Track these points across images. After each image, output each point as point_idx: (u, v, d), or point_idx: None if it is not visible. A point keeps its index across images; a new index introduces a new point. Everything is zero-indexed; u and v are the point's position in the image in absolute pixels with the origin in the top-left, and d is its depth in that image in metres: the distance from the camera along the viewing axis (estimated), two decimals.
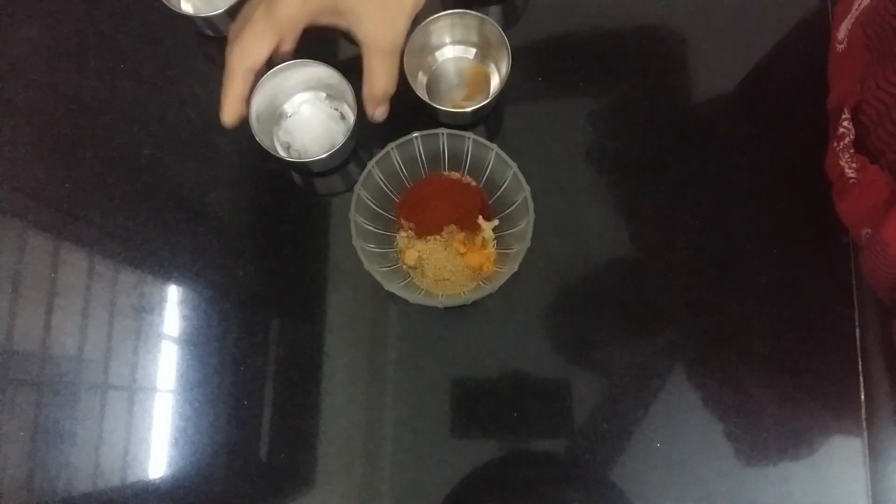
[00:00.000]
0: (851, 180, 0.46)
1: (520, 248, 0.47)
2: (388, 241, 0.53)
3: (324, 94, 0.56)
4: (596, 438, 0.52)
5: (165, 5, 0.54)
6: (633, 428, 0.52)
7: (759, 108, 0.58)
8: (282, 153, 0.53)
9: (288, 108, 0.56)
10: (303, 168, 0.55)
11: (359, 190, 0.48)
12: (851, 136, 0.46)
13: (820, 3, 0.58)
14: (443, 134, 0.49)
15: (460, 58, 0.57)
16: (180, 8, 0.56)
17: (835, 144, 0.48)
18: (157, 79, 0.58)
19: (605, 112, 0.57)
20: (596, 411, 0.52)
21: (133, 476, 0.51)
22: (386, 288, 0.47)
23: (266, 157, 0.51)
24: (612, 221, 0.55)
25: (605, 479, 0.51)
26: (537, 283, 0.53)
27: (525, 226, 0.47)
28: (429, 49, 0.56)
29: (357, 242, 0.47)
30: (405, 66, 0.51)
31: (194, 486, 0.51)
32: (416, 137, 0.49)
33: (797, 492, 0.51)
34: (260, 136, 0.51)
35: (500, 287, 0.48)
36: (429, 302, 0.48)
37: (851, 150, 0.46)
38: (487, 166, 0.50)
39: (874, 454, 0.52)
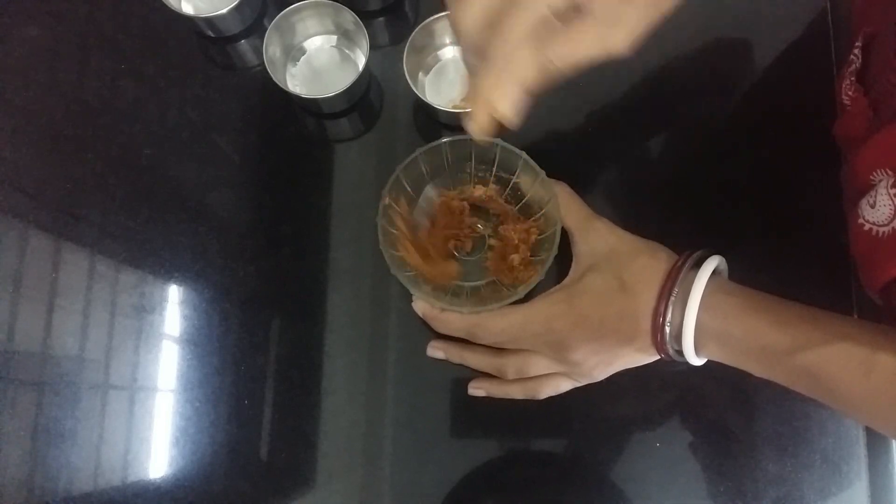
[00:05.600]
0: (847, 107, 0.48)
1: (547, 256, 0.46)
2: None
3: (336, 38, 0.57)
4: (596, 438, 0.52)
5: (166, 6, 0.54)
6: (633, 428, 0.52)
7: (763, 111, 0.58)
8: (295, 90, 0.54)
9: (302, 49, 0.57)
10: (314, 107, 0.56)
11: (385, 195, 0.48)
12: (857, 65, 0.47)
13: None
14: (471, 140, 0.49)
15: (460, 58, 0.57)
16: (181, 9, 0.57)
17: (842, 70, 0.50)
18: (158, 79, 0.58)
19: (604, 111, 0.57)
20: (596, 411, 0.52)
21: (134, 475, 0.51)
22: (413, 293, 0.47)
23: (265, 153, 0.51)
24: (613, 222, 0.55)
25: (605, 479, 0.51)
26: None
27: (552, 233, 0.47)
28: (429, 49, 0.56)
29: (384, 248, 0.46)
30: (405, 66, 0.52)
31: (195, 486, 0.51)
32: (445, 143, 0.49)
33: (797, 492, 0.51)
34: (276, 77, 0.52)
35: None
36: (455, 308, 0.47)
37: (853, 78, 0.47)
38: (516, 173, 0.50)
39: (874, 454, 0.52)
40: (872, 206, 0.41)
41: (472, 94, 0.37)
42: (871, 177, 0.43)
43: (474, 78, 0.37)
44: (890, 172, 0.41)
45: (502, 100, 0.37)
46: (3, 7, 0.59)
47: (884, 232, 0.41)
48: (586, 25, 0.35)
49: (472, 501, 0.51)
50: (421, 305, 0.49)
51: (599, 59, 0.36)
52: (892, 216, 0.40)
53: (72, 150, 0.56)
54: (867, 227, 0.42)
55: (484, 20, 0.36)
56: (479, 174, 0.52)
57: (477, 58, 0.37)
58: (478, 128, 0.38)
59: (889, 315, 0.42)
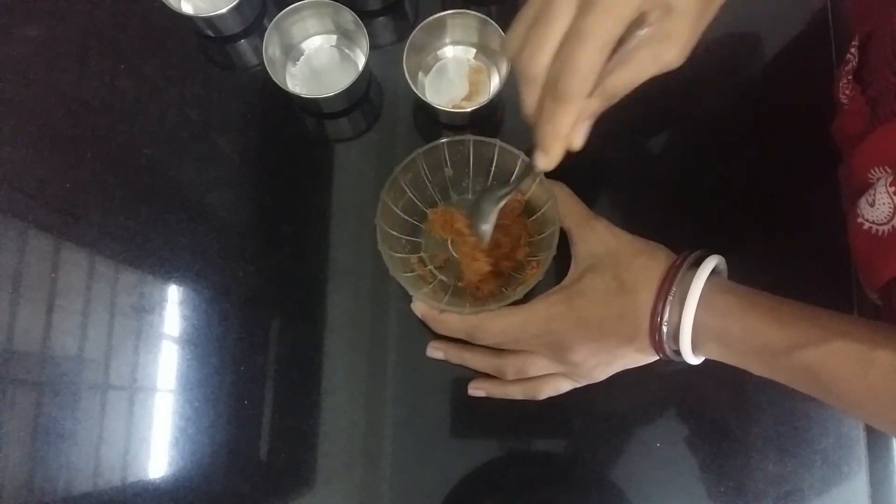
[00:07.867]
0: (845, 105, 0.49)
1: (545, 256, 0.46)
2: (413, 248, 0.52)
3: (336, 38, 0.57)
4: (596, 438, 0.52)
5: (166, 6, 0.54)
6: (632, 428, 0.52)
7: (763, 110, 0.58)
8: (295, 90, 0.54)
9: (301, 49, 0.57)
10: (314, 107, 0.56)
11: (384, 196, 0.48)
12: (854, 64, 0.48)
13: None
14: (470, 141, 0.49)
15: (460, 58, 0.57)
16: (181, 8, 0.56)
17: (840, 69, 0.50)
18: (158, 79, 0.58)
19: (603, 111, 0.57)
20: (595, 411, 0.52)
21: (133, 476, 0.51)
22: (412, 294, 0.47)
23: (265, 153, 0.51)
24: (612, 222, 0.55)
25: (605, 479, 0.51)
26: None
27: (551, 233, 0.47)
28: (429, 49, 0.56)
29: (383, 249, 0.46)
30: (405, 65, 0.51)
31: (194, 486, 0.51)
32: (443, 144, 0.49)
33: (797, 492, 0.51)
34: (275, 77, 0.52)
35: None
36: (454, 309, 0.47)
37: (850, 77, 0.48)
38: (514, 173, 0.50)
39: (874, 454, 0.52)
40: (871, 205, 0.41)
41: (550, 133, 0.38)
42: (869, 175, 0.43)
43: (551, 117, 0.37)
44: (889, 170, 0.41)
45: (578, 136, 0.40)
46: (3, 7, 0.59)
47: (883, 230, 0.40)
48: (639, 47, 0.36)
49: (472, 501, 0.51)
50: (420, 307, 0.49)
51: (656, 74, 0.38)
52: (891, 214, 0.40)
53: (72, 150, 0.56)
54: (866, 225, 0.42)
55: (552, 58, 0.36)
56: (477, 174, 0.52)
57: (544, 94, 0.37)
58: (552, 163, 0.40)
59: (889, 315, 0.42)
